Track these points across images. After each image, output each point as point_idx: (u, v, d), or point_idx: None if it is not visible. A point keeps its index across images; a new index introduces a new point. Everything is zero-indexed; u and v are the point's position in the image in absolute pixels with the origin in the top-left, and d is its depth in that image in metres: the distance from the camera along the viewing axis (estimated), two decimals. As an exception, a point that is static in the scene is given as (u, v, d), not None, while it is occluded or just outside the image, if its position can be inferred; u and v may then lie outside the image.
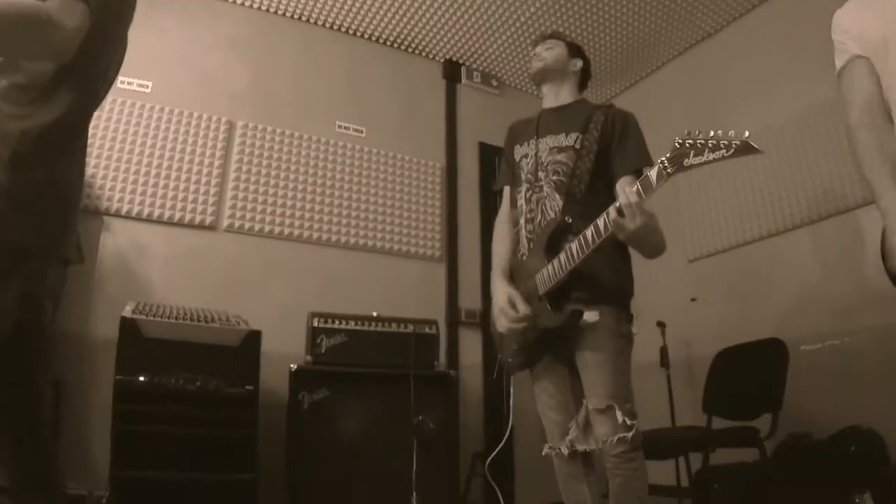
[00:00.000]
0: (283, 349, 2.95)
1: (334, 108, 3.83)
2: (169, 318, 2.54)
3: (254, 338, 2.56)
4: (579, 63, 2.12)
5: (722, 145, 1.33)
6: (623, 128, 1.92)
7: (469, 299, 3.81)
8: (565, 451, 1.89)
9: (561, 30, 3.85)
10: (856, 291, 2.86)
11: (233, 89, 3.57)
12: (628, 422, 1.72)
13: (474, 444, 3.47)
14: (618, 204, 1.57)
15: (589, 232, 1.68)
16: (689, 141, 1.39)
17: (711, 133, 1.36)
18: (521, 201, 2.02)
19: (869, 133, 1.44)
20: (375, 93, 4.00)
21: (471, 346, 3.72)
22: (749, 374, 2.87)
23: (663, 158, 1.46)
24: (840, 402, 2.75)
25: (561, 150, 1.93)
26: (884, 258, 1.54)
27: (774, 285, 3.29)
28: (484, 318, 3.63)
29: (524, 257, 1.98)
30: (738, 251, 3.53)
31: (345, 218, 3.65)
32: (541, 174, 1.96)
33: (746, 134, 1.30)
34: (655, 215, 1.60)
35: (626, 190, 1.56)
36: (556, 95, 2.07)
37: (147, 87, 3.38)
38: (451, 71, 4.24)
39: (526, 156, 2.03)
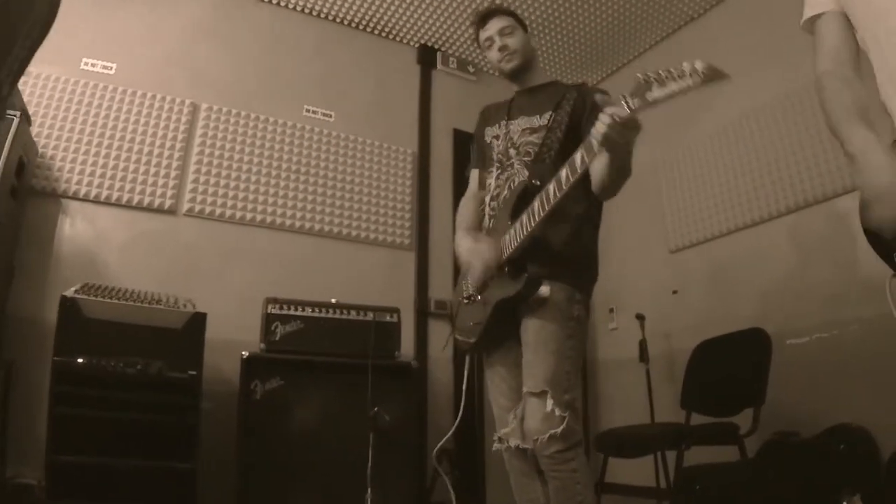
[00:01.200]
0: (241, 336, 2.84)
1: (302, 91, 3.72)
2: (112, 298, 2.42)
3: (198, 320, 2.43)
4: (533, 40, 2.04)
5: (686, 73, 1.23)
6: (594, 102, 1.78)
7: (439, 289, 3.67)
8: (512, 444, 1.75)
9: (535, 16, 3.75)
10: (844, 281, 2.73)
11: (198, 71, 3.47)
12: (558, 412, 1.57)
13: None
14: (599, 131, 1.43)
15: (551, 187, 1.56)
16: (652, 74, 1.29)
17: (676, 66, 1.27)
18: (492, 180, 1.92)
19: (834, 80, 1.32)
20: (346, 77, 3.89)
21: (440, 338, 3.58)
22: (729, 367, 2.73)
23: (624, 94, 1.35)
24: (828, 398, 2.63)
25: (534, 131, 1.84)
26: (861, 215, 1.38)
27: (759, 276, 3.16)
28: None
29: (486, 231, 1.88)
30: (720, 241, 3.41)
31: (310, 203, 3.53)
32: (511, 152, 1.87)
33: (710, 61, 1.22)
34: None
35: (610, 111, 1.40)
36: (527, 78, 1.97)
37: (111, 68, 3.30)
38: (426, 56, 4.14)
39: (497, 137, 1.95)
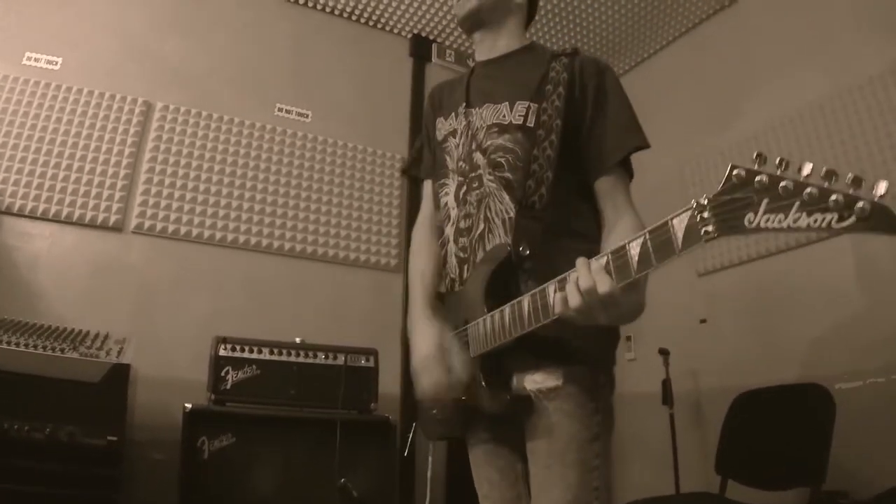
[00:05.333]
0: (195, 376, 2.44)
1: (274, 88, 3.29)
2: (23, 337, 1.98)
3: (120, 373, 1.98)
4: None
5: (834, 205, 0.65)
6: (598, 89, 1.25)
7: (431, 318, 3.21)
8: None
9: (550, 4, 3.29)
10: (907, 318, 2.32)
11: (154, 65, 3.06)
12: None
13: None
14: (570, 275, 0.95)
15: (526, 306, 1.06)
16: (763, 178, 0.70)
17: (806, 168, 0.67)
18: (449, 200, 1.36)
19: None
20: (325, 71, 3.45)
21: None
22: (780, 431, 2.29)
23: (704, 201, 0.77)
24: (885, 453, 2.23)
25: (503, 129, 1.28)
26: None
27: (803, 307, 2.71)
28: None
29: (455, 287, 1.33)
30: (758, 264, 2.95)
31: (279, 219, 3.08)
32: (477, 159, 1.30)
33: (882, 188, 0.63)
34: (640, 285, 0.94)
35: (588, 265, 0.92)
36: (494, 43, 1.41)
37: (56, 63, 2.92)
38: (420, 48, 3.71)
39: (454, 133, 1.38)
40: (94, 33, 2.96)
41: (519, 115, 1.27)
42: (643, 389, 3.19)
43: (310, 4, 3.48)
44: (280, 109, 3.26)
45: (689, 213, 0.79)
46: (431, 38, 3.74)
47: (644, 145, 1.23)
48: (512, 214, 1.22)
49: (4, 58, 2.77)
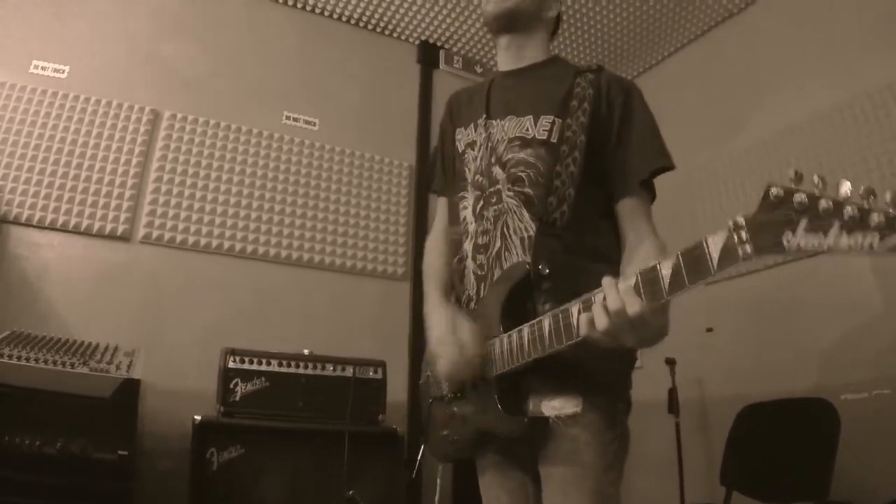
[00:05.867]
0: (204, 385, 2.46)
1: (282, 96, 3.28)
2: (28, 356, 1.99)
3: (130, 388, 1.99)
4: (556, 7, 1.44)
5: (875, 224, 0.64)
6: (624, 107, 1.25)
7: (439, 327, 3.21)
8: None
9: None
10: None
11: (161, 74, 3.05)
12: None
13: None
14: (595, 296, 0.94)
15: (546, 324, 1.03)
16: (801, 197, 0.69)
17: (845, 187, 0.67)
18: (468, 214, 1.34)
19: None
20: (333, 79, 3.44)
21: (440, 388, 3.12)
22: (784, 445, 2.28)
23: (741, 220, 0.74)
24: (891, 465, 2.22)
25: (526, 143, 1.26)
26: None
27: (810, 316, 2.69)
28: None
29: (472, 305, 1.31)
30: (765, 273, 2.91)
31: (287, 227, 3.09)
32: (496, 173, 1.28)
33: None
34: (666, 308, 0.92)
35: (615, 286, 0.90)
36: (520, 52, 1.39)
37: (63, 72, 2.91)
38: (428, 54, 3.69)
39: (473, 145, 1.36)
40: (102, 41, 2.96)
41: (543, 130, 1.25)
42: (649, 398, 3.19)
43: (317, 11, 3.46)
44: (288, 117, 3.26)
45: (725, 232, 0.76)
46: (439, 44, 3.72)
47: (668, 167, 1.22)
48: (531, 232, 1.21)
49: (11, 66, 2.77)
